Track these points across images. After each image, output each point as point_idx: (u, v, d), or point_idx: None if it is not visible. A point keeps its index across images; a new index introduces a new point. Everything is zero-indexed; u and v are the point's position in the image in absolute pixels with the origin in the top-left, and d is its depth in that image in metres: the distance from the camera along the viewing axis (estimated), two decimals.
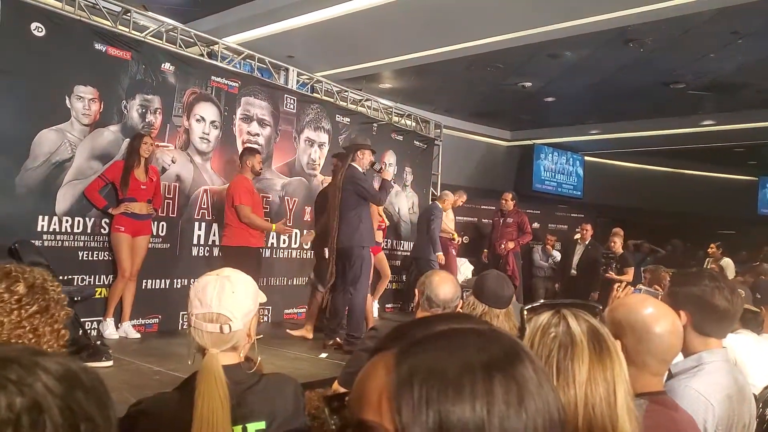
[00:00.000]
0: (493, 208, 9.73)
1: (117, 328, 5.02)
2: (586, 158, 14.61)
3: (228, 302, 1.53)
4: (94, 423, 0.59)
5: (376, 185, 5.60)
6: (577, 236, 8.90)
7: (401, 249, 8.32)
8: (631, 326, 1.43)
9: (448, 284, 2.50)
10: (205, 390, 1.40)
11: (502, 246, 8.09)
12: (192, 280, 5.88)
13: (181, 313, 5.51)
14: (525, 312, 1.15)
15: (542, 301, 1.18)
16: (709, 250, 9.37)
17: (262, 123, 6.56)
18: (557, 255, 9.59)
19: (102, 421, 0.60)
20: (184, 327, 5.38)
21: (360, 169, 5.23)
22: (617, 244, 8.01)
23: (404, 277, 8.18)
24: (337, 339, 5.17)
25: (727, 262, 8.85)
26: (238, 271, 1.63)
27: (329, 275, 5.21)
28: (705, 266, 7.98)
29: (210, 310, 1.52)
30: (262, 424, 1.52)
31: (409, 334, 0.57)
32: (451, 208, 8.03)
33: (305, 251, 6.91)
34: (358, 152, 5.26)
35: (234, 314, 1.53)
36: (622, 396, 1.03)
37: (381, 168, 5.48)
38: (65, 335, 1.39)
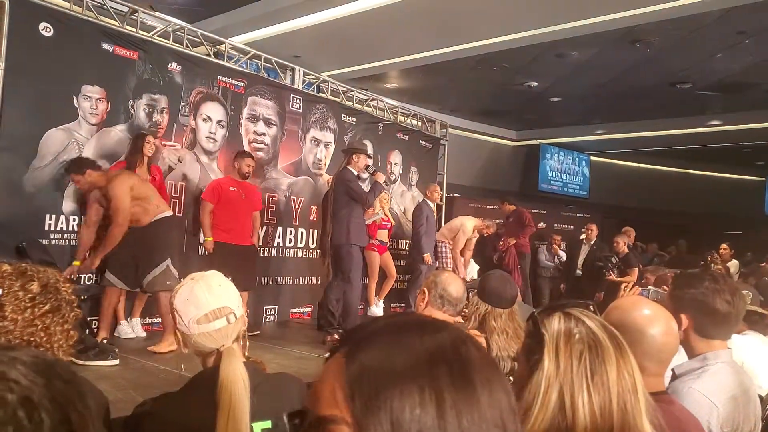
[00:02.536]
0: (498, 207, 9.72)
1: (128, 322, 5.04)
2: (592, 158, 14.58)
3: (221, 294, 1.55)
4: (79, 412, 0.59)
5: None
6: (583, 236, 8.88)
7: (406, 249, 8.31)
8: (625, 328, 1.43)
9: (458, 282, 2.55)
10: (228, 384, 1.41)
11: (501, 243, 8.20)
12: None
13: None
14: (537, 317, 1.16)
15: (541, 306, 1.20)
16: (721, 250, 9.28)
17: (268, 122, 6.57)
18: (563, 255, 9.56)
19: (84, 410, 0.59)
20: None
21: (354, 172, 5.52)
22: (620, 244, 7.99)
23: (408, 277, 8.18)
24: (335, 336, 5.31)
25: (733, 263, 8.81)
26: (202, 272, 1.65)
27: (327, 273, 5.47)
28: (710, 267, 7.92)
29: (211, 308, 1.52)
30: (268, 423, 1.52)
31: (357, 333, 0.60)
32: (478, 231, 7.92)
33: (311, 250, 6.94)
34: (354, 155, 5.54)
35: (232, 302, 1.56)
36: (641, 387, 1.06)
37: (375, 171, 5.77)
38: (74, 336, 1.41)
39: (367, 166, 5.64)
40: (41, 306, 1.33)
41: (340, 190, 5.46)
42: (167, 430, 1.47)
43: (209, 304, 1.53)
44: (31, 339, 1.30)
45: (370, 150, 7.74)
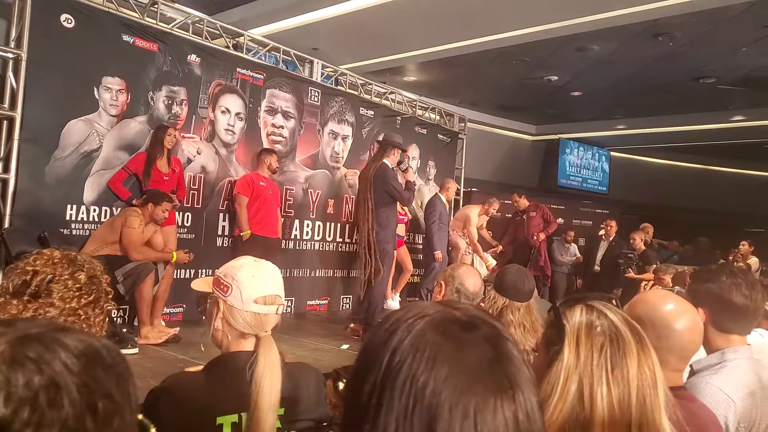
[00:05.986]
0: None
1: None
2: (613, 153, 14.41)
3: (279, 285, 1.61)
4: (112, 400, 0.59)
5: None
6: (601, 232, 8.81)
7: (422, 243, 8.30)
8: (651, 322, 1.41)
9: (475, 277, 2.55)
10: (270, 368, 1.45)
11: (535, 238, 8.20)
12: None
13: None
14: (560, 308, 1.16)
15: (565, 296, 1.19)
16: (741, 247, 9.14)
17: (286, 115, 6.59)
18: (575, 248, 9.54)
19: (121, 398, 0.60)
20: None
21: (391, 166, 5.46)
22: (636, 240, 7.92)
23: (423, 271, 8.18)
24: (351, 325, 5.47)
25: (753, 261, 8.68)
26: (260, 260, 1.67)
27: (373, 269, 5.29)
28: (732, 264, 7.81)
29: (270, 293, 1.56)
30: (281, 411, 1.53)
31: None
32: (485, 214, 7.93)
33: (328, 243, 6.95)
34: (395, 150, 5.48)
35: (283, 295, 1.61)
36: (661, 382, 1.05)
37: (407, 168, 5.66)
38: (105, 326, 1.44)
39: (399, 162, 5.57)
40: (86, 296, 1.35)
41: (380, 187, 5.33)
42: (184, 406, 1.49)
43: (269, 289, 1.57)
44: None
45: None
